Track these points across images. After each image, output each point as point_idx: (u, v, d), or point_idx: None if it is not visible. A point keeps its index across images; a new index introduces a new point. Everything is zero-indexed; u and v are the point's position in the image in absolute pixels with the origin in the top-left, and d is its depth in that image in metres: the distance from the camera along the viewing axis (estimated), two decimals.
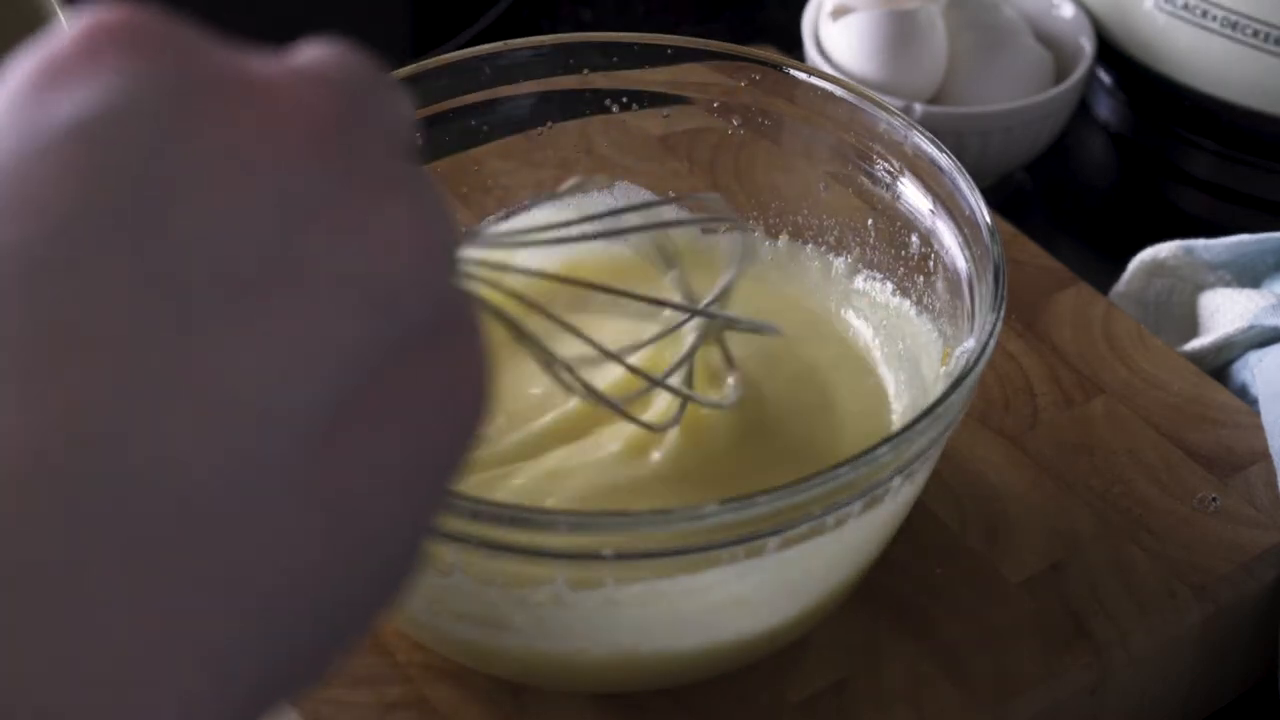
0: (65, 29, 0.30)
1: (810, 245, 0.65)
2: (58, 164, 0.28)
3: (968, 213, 0.58)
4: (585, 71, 0.63)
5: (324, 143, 0.30)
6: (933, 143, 0.60)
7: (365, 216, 0.30)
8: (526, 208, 0.57)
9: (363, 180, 0.30)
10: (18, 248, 0.27)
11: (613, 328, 0.57)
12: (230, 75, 0.30)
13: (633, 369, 0.55)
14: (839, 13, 0.84)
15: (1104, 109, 0.90)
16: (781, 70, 0.64)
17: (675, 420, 0.57)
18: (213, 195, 0.28)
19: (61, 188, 0.28)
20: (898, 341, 0.62)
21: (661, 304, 0.56)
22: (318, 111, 0.30)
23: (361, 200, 0.30)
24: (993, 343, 0.53)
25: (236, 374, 0.28)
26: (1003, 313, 0.54)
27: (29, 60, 0.30)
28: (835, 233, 0.65)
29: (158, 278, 0.28)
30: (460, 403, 0.31)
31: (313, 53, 0.32)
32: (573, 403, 0.58)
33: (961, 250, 0.58)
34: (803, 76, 0.63)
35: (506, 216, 0.67)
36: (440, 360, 0.31)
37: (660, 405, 0.58)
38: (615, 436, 0.58)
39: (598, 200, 0.67)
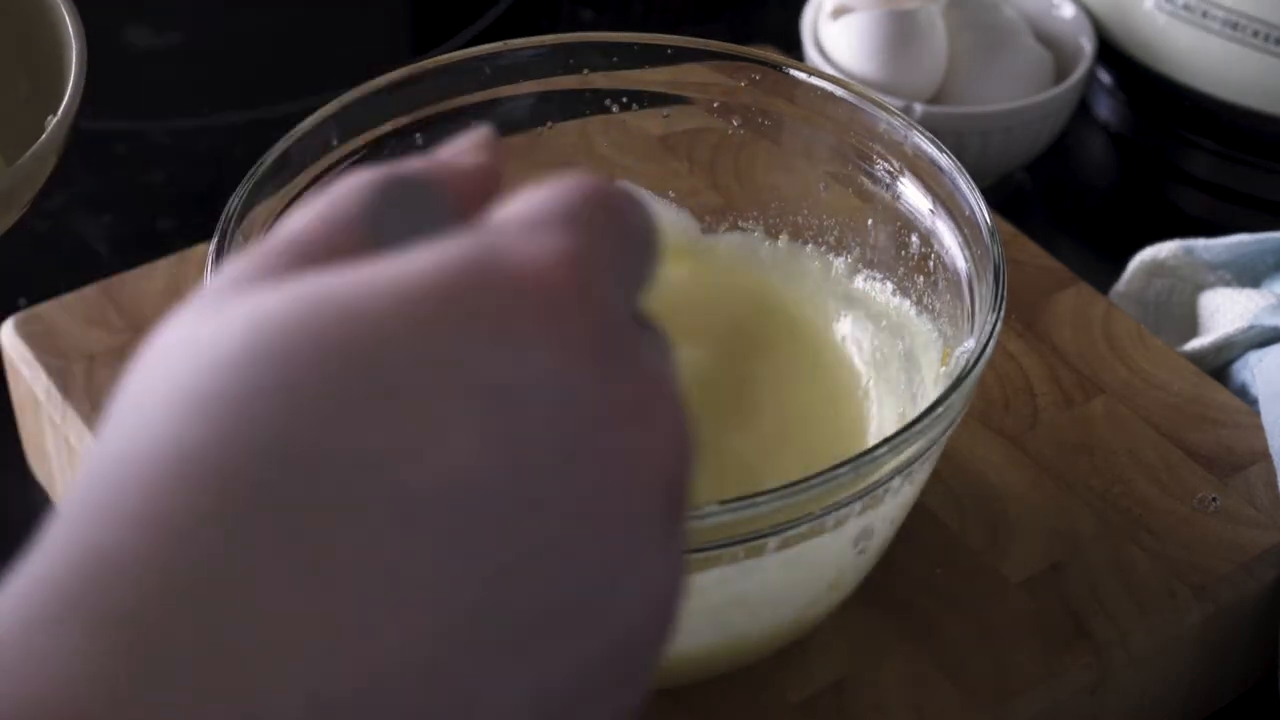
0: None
1: (810, 245, 0.65)
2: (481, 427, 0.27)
3: (968, 213, 0.58)
4: (585, 71, 0.63)
5: (597, 351, 0.29)
6: (933, 143, 0.60)
7: (636, 438, 0.30)
8: None
9: (631, 390, 0.30)
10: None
11: None
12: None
13: None
14: (839, 13, 0.84)
15: (1104, 109, 0.90)
16: (781, 70, 0.64)
17: None
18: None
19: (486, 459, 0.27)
20: (897, 341, 0.62)
21: None
22: (588, 311, 0.29)
23: (632, 418, 0.29)
24: (993, 343, 0.53)
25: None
26: (1003, 313, 0.54)
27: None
28: (835, 233, 0.65)
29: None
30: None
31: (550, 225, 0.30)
32: None
33: (961, 250, 0.58)
34: (803, 76, 0.63)
35: None
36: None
37: None
38: None
39: None
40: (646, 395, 0.30)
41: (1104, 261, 0.76)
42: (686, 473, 0.31)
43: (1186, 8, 0.84)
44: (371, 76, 0.61)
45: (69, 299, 0.68)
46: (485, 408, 0.27)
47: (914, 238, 0.61)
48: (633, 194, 0.32)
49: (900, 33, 0.82)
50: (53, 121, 0.57)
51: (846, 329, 0.64)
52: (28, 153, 0.56)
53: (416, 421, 0.27)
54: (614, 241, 0.30)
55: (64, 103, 0.58)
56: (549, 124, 0.65)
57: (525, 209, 0.30)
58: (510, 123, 0.63)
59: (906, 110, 0.79)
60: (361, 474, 0.26)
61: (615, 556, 0.29)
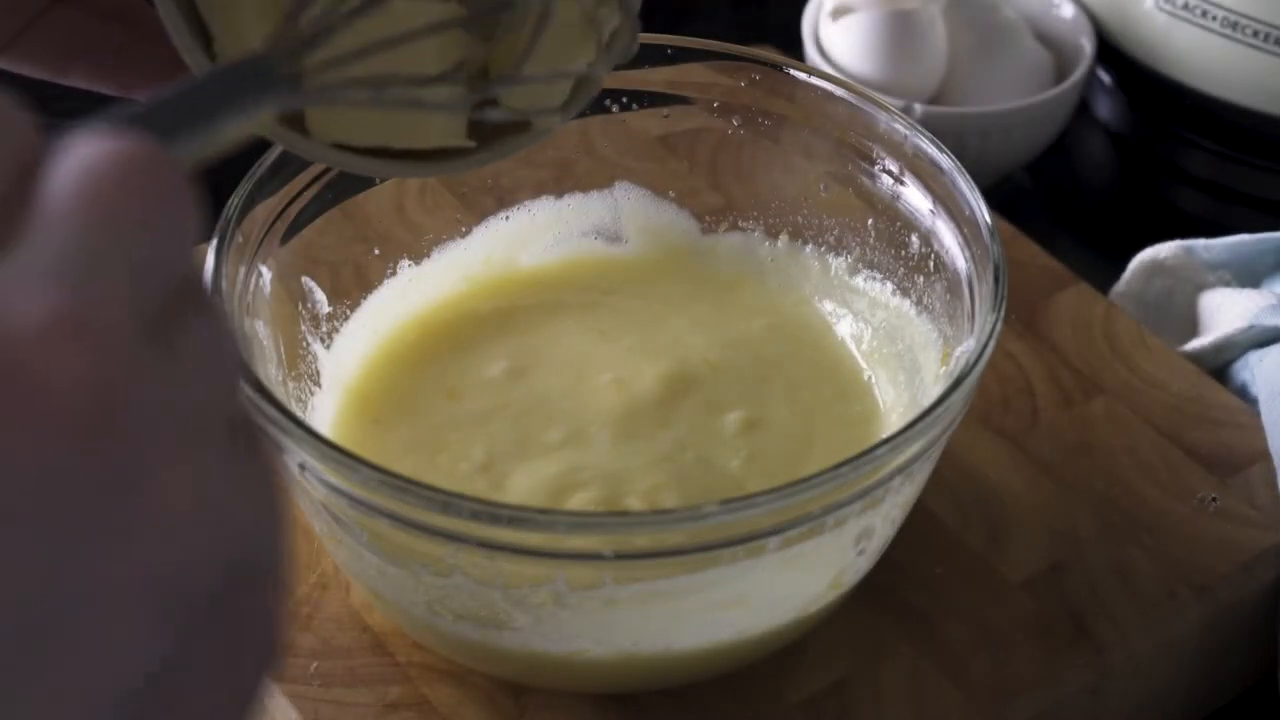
0: None
1: (810, 245, 0.65)
2: None
3: (968, 213, 0.58)
4: None
5: (81, 426, 0.26)
6: (933, 143, 0.60)
7: (136, 512, 0.26)
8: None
9: (133, 456, 0.26)
10: None
11: None
12: None
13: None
14: (839, 13, 0.84)
15: (1104, 109, 0.90)
16: (781, 70, 0.64)
17: (567, 104, 0.49)
18: None
19: None
20: (897, 341, 0.62)
21: None
22: (65, 386, 0.26)
23: (129, 491, 0.26)
24: (993, 343, 0.53)
25: None
26: (1003, 313, 0.54)
27: None
28: (835, 233, 0.65)
29: None
30: (255, 659, 0.30)
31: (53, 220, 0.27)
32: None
33: (961, 250, 0.58)
34: (803, 76, 0.63)
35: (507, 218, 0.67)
36: (238, 612, 0.29)
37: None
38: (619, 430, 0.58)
39: (598, 200, 0.67)
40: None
41: (1104, 261, 0.76)
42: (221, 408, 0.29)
43: (1186, 8, 0.84)
44: None
45: None
46: None
47: (914, 238, 0.61)
48: (147, 153, 0.28)
49: (900, 33, 0.82)
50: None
51: (847, 329, 0.64)
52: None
53: None
54: (130, 248, 0.28)
55: None
56: None
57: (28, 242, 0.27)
58: None
59: (906, 110, 0.79)
60: None
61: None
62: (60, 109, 0.81)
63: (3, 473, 0.25)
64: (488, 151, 0.50)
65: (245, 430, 0.30)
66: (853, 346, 0.64)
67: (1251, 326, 0.67)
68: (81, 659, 0.26)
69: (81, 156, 0.28)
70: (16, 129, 0.28)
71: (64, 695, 0.26)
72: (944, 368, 0.58)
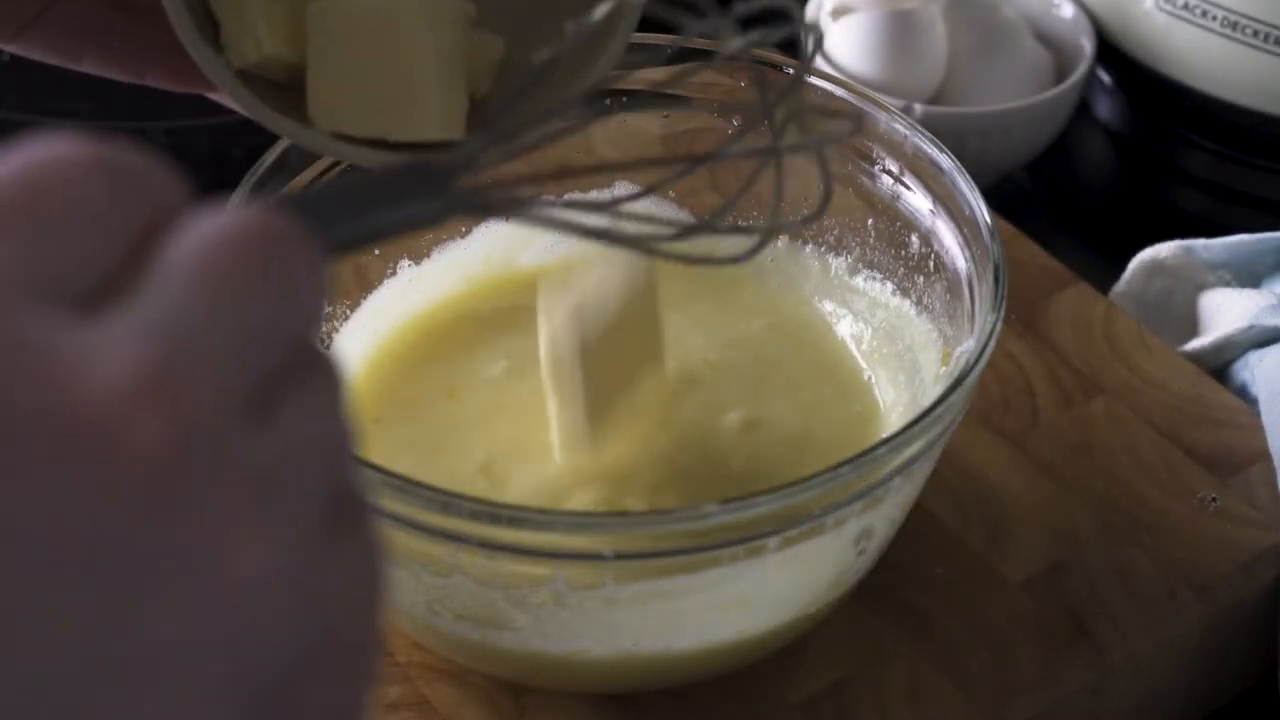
0: None
1: (810, 245, 0.65)
2: None
3: (968, 213, 0.58)
4: None
5: (153, 488, 0.26)
6: (933, 143, 0.60)
7: (205, 580, 0.26)
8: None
9: (209, 523, 0.26)
10: None
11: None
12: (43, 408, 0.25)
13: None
14: (839, 13, 0.84)
15: (1104, 109, 0.90)
16: (782, 70, 0.64)
17: (760, 246, 0.49)
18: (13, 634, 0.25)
19: None
20: (897, 341, 0.62)
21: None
22: (143, 446, 0.26)
23: (200, 557, 0.26)
24: (993, 343, 0.53)
25: None
26: (1003, 313, 0.54)
27: None
28: (835, 233, 0.65)
29: None
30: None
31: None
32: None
33: (961, 250, 0.58)
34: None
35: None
36: (316, 694, 0.29)
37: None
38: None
39: (597, 200, 0.67)
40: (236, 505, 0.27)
41: (1104, 261, 0.76)
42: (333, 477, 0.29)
43: (1186, 8, 0.84)
44: None
45: None
46: None
47: (914, 238, 0.61)
48: (291, 238, 0.29)
49: (900, 33, 0.82)
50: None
51: (846, 329, 0.64)
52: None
53: None
54: (244, 322, 0.28)
55: None
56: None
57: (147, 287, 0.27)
58: None
59: (906, 110, 0.79)
60: None
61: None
62: (59, 108, 0.81)
63: (68, 526, 0.25)
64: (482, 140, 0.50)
65: (350, 508, 0.30)
66: (853, 346, 0.64)
67: (1251, 326, 0.67)
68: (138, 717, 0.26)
69: (213, 224, 0.28)
70: (157, 189, 0.29)
71: None
72: (944, 368, 0.58)
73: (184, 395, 0.26)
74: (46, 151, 0.28)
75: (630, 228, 0.45)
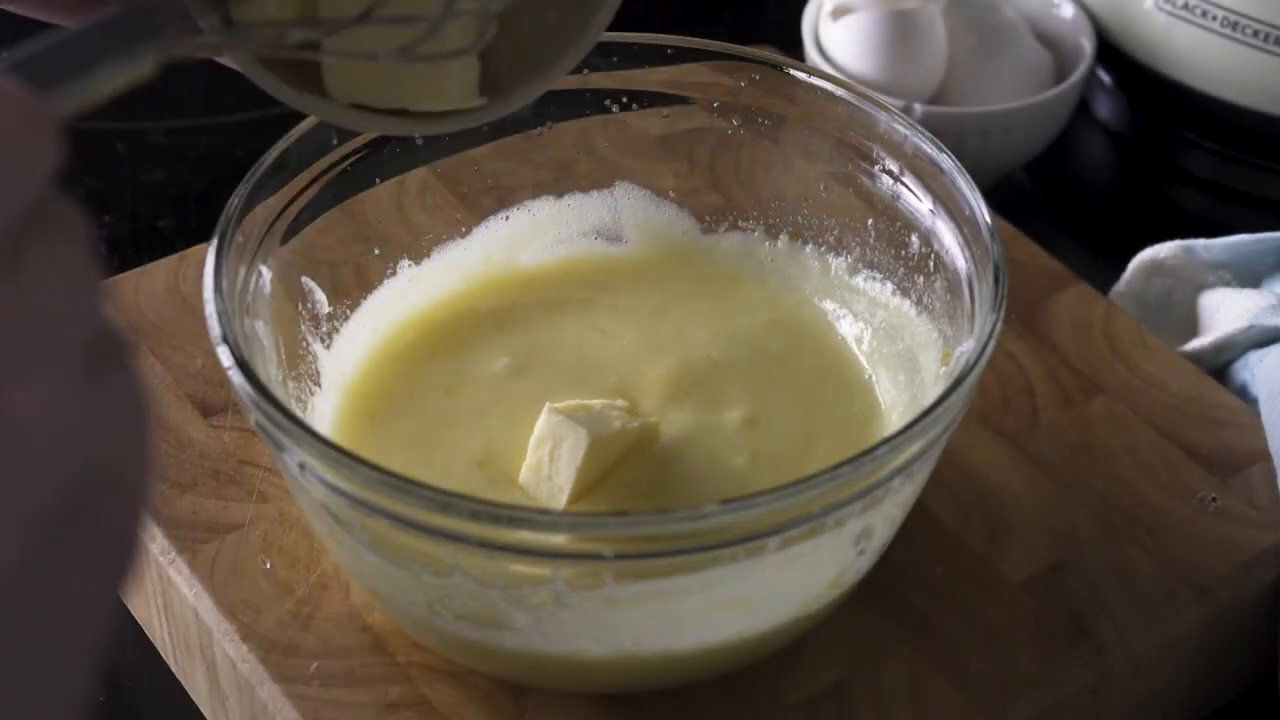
0: None
1: (810, 245, 0.65)
2: None
3: (968, 213, 0.58)
4: (585, 71, 0.63)
5: None
6: (933, 143, 0.60)
7: None
8: None
9: None
10: None
11: None
12: None
13: None
14: (839, 13, 0.84)
15: (1104, 109, 0.90)
16: (781, 70, 0.64)
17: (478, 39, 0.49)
18: None
19: None
20: (897, 341, 0.62)
21: None
22: None
23: None
24: (993, 343, 0.53)
25: None
26: (1003, 313, 0.54)
27: None
28: (835, 233, 0.65)
29: None
30: (114, 562, 0.32)
31: None
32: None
33: (961, 250, 0.58)
34: (803, 76, 0.63)
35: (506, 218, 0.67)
36: (95, 517, 0.31)
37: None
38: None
39: (598, 200, 0.67)
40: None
41: (1104, 261, 0.76)
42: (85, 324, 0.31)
43: (1186, 8, 0.84)
44: None
45: None
46: None
47: (914, 238, 0.61)
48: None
49: (900, 33, 0.82)
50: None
51: (847, 329, 0.64)
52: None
53: None
54: None
55: None
56: (549, 124, 0.65)
57: None
58: (510, 123, 0.63)
59: (906, 110, 0.79)
60: None
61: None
62: None
63: None
64: (499, 105, 0.51)
65: (109, 349, 0.32)
66: (853, 346, 0.64)
67: (1251, 326, 0.67)
68: None
69: None
70: None
71: None
72: (944, 368, 0.58)
73: None
74: None
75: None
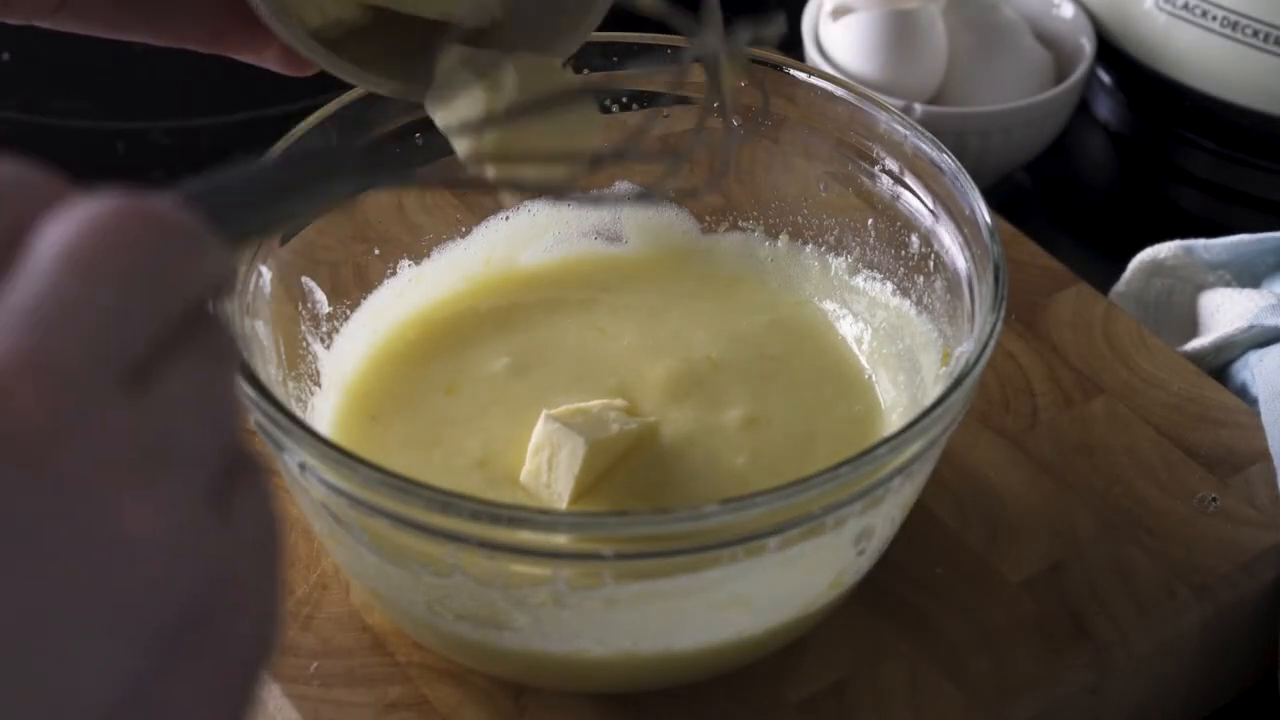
0: None
1: (810, 245, 0.65)
2: None
3: (968, 213, 0.58)
4: (585, 71, 0.63)
5: (29, 455, 0.28)
6: (933, 143, 0.60)
7: (91, 537, 0.28)
8: None
9: (87, 482, 0.28)
10: None
11: None
12: None
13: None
14: (839, 13, 0.84)
15: (1104, 109, 0.90)
16: (781, 70, 0.64)
17: (678, 160, 0.53)
18: None
19: None
20: (897, 341, 0.62)
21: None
22: (18, 416, 0.28)
23: (83, 518, 0.28)
24: (993, 343, 0.53)
25: None
26: (1003, 313, 0.54)
27: None
28: (835, 233, 0.65)
29: None
30: (236, 680, 0.31)
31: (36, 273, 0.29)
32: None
33: (961, 250, 0.58)
34: (803, 76, 0.63)
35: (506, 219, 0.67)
36: (217, 636, 0.31)
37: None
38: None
39: (598, 200, 0.67)
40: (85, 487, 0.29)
41: (1104, 261, 0.76)
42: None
43: (1186, 8, 0.84)
44: None
45: None
46: None
47: (914, 238, 0.61)
48: (158, 215, 0.30)
49: (900, 33, 0.82)
50: None
51: (847, 329, 0.64)
52: None
53: None
54: (105, 304, 0.29)
55: None
56: None
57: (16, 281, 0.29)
58: None
59: (906, 110, 0.79)
60: None
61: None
62: (60, 108, 0.81)
63: None
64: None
65: (240, 468, 0.32)
66: (853, 347, 0.64)
67: (1251, 326, 0.67)
68: (43, 671, 0.28)
69: (81, 211, 0.30)
70: (29, 187, 0.30)
71: (31, 698, 0.28)
72: (944, 368, 0.58)
73: (50, 372, 0.28)
74: None
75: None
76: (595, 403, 0.59)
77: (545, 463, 0.57)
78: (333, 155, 0.37)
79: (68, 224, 0.30)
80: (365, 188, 0.38)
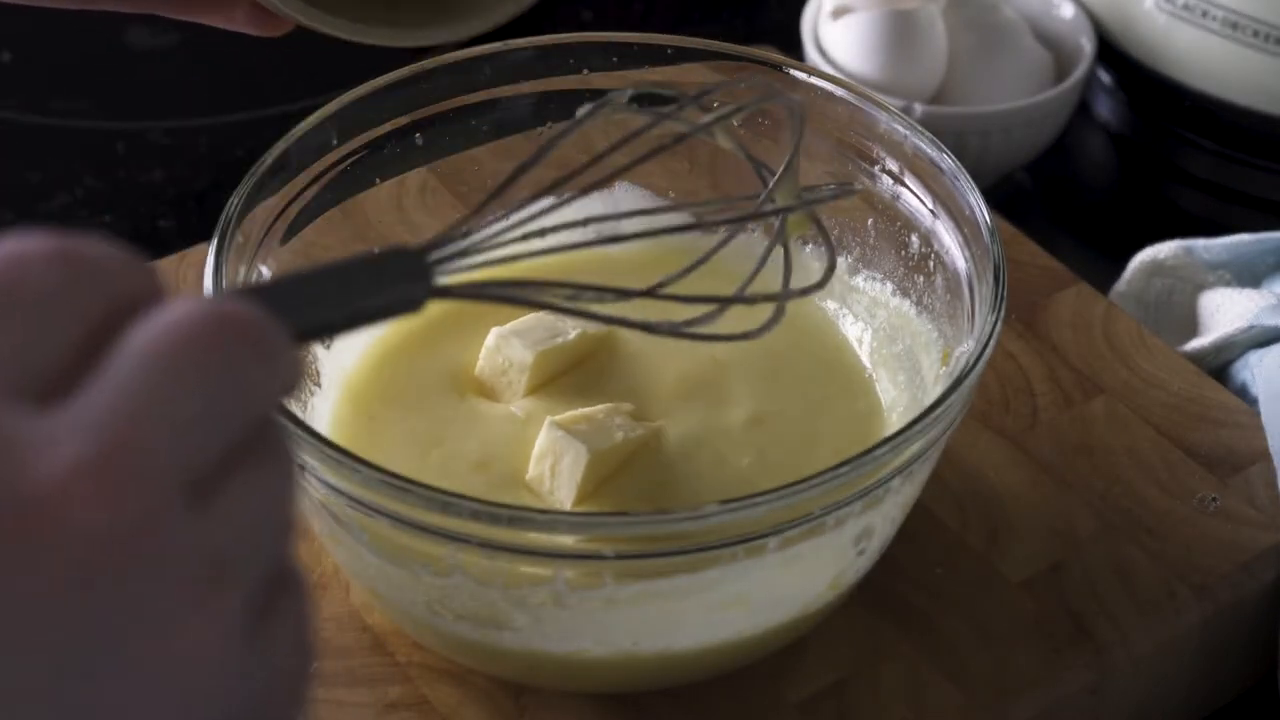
0: None
1: (810, 245, 0.65)
2: None
3: (968, 213, 0.58)
4: (585, 71, 0.63)
5: (89, 570, 0.28)
6: (933, 143, 0.60)
7: (143, 653, 0.29)
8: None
9: (139, 601, 0.28)
10: None
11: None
12: None
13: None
14: (839, 13, 0.84)
15: (1104, 109, 0.90)
16: (781, 70, 0.64)
17: (775, 319, 0.53)
18: None
19: None
20: (898, 341, 0.62)
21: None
22: (77, 531, 0.28)
23: (136, 634, 0.29)
24: (993, 343, 0.53)
25: None
26: (1003, 313, 0.54)
27: None
28: (835, 233, 0.65)
29: None
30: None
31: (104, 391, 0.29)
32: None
33: (961, 250, 0.58)
34: (803, 76, 0.63)
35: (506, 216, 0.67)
36: None
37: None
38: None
39: (598, 200, 0.67)
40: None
41: (1104, 261, 0.76)
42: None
43: (1186, 8, 0.84)
44: (371, 76, 0.61)
45: None
46: None
47: (914, 238, 0.61)
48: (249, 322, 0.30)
49: (900, 33, 0.82)
50: None
51: (847, 329, 0.64)
52: None
53: None
54: (177, 420, 0.29)
55: None
56: (549, 124, 0.65)
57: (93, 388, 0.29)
58: (510, 123, 0.63)
59: (906, 110, 0.79)
60: None
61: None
62: (60, 108, 0.82)
63: (10, 607, 0.27)
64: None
65: (284, 586, 0.32)
66: (854, 346, 0.64)
67: (1251, 326, 0.67)
68: None
69: (167, 313, 0.30)
70: (117, 279, 0.30)
71: None
72: (944, 368, 0.58)
73: (118, 484, 0.28)
74: (10, 246, 0.29)
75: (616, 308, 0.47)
76: (601, 407, 0.59)
77: (548, 470, 0.57)
78: (403, 262, 0.37)
79: (155, 325, 0.29)
80: (439, 297, 0.38)
